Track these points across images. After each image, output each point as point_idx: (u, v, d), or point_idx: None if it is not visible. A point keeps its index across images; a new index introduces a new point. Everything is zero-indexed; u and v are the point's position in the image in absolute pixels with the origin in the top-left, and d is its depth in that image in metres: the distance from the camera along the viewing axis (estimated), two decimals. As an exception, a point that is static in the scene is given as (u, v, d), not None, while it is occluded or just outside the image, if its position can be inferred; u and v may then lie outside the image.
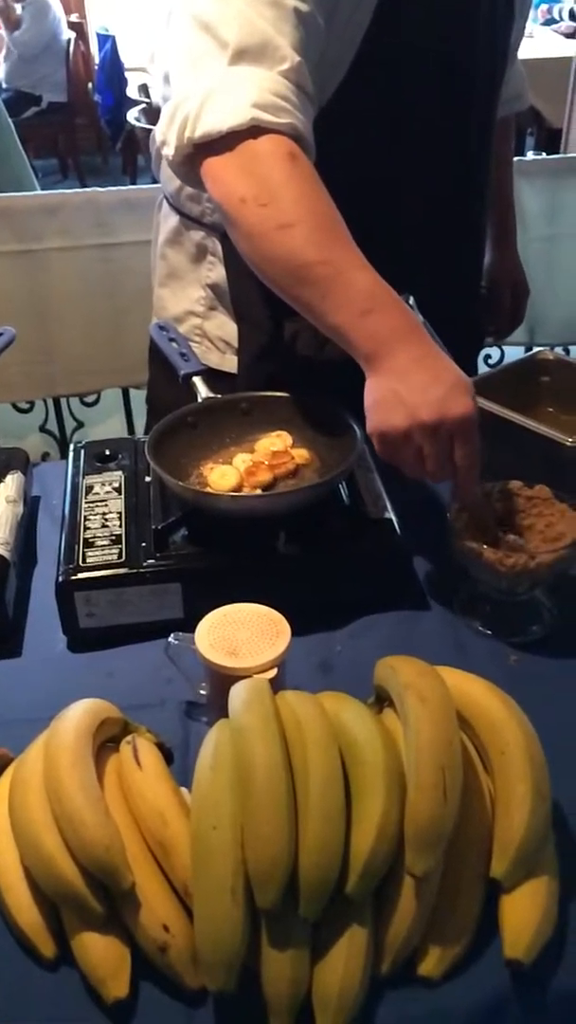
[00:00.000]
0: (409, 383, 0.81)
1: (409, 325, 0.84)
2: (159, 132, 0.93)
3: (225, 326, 1.19)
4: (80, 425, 2.11)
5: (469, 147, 1.14)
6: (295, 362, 1.12)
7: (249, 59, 0.88)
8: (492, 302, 1.43)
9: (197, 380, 1.02)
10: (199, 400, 1.01)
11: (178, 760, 0.76)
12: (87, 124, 5.77)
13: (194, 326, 1.22)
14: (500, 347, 2.13)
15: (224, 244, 1.15)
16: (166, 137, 0.91)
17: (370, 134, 1.06)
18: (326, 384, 0.98)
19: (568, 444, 0.91)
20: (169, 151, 0.91)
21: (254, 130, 0.86)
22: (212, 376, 1.06)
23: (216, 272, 1.18)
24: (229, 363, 1.19)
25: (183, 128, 0.88)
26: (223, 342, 1.20)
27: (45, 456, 2.09)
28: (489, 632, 0.90)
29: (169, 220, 1.23)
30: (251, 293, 1.11)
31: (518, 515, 0.88)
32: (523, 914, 0.62)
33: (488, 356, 2.23)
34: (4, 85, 5.20)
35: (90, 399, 2.05)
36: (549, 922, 0.62)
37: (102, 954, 0.61)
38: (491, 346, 2.02)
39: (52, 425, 2.09)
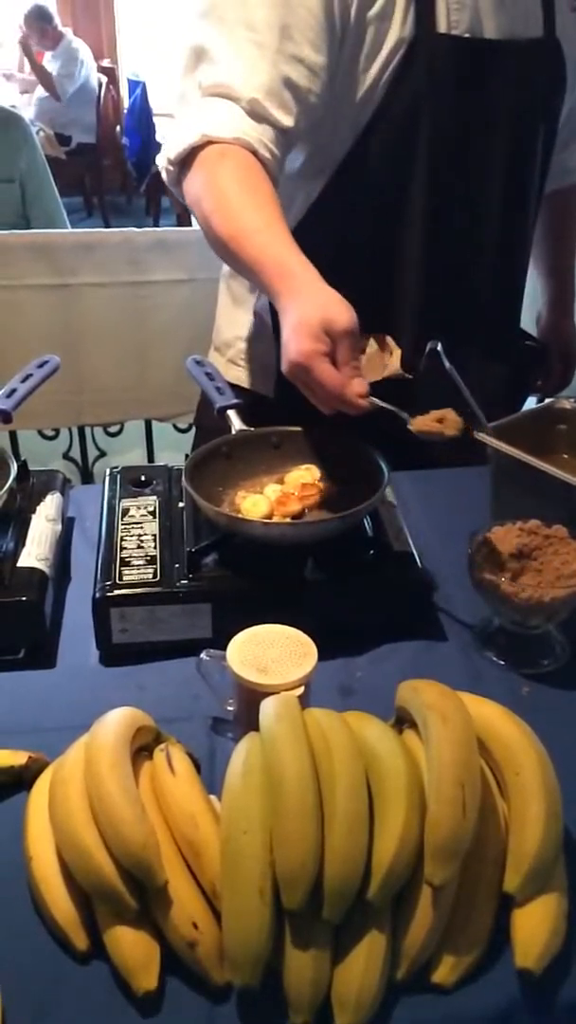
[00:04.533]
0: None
1: (278, 282, 0.93)
2: (159, 159, 1.10)
3: (269, 351, 1.25)
4: (103, 454, 2.16)
5: (487, 210, 1.21)
6: None
7: (216, 94, 1.04)
8: (543, 360, 1.48)
9: (231, 413, 1.07)
10: (233, 432, 1.06)
11: (204, 772, 0.79)
12: (113, 165, 5.93)
13: (240, 350, 1.30)
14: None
15: None
16: (160, 162, 1.09)
17: (381, 187, 1.15)
18: None
19: (583, 488, 0.96)
20: (163, 175, 1.09)
21: (206, 145, 1.02)
22: (252, 400, 1.12)
23: (264, 298, 1.25)
24: (269, 388, 1.26)
25: (166, 152, 1.07)
26: (264, 367, 1.26)
27: (68, 483, 2.13)
28: (503, 663, 0.94)
29: None
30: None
31: (535, 552, 0.92)
32: (534, 927, 0.65)
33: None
34: (36, 124, 5.34)
35: (114, 429, 2.11)
36: (559, 936, 0.66)
37: (133, 947, 0.64)
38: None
39: (75, 453, 2.15)
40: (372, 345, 1.19)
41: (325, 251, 1.21)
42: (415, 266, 1.20)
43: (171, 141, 1.05)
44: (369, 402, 0.89)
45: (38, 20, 5.37)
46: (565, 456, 1.11)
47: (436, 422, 0.92)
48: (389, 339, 1.20)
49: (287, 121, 1.04)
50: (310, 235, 1.21)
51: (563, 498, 0.97)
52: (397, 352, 1.18)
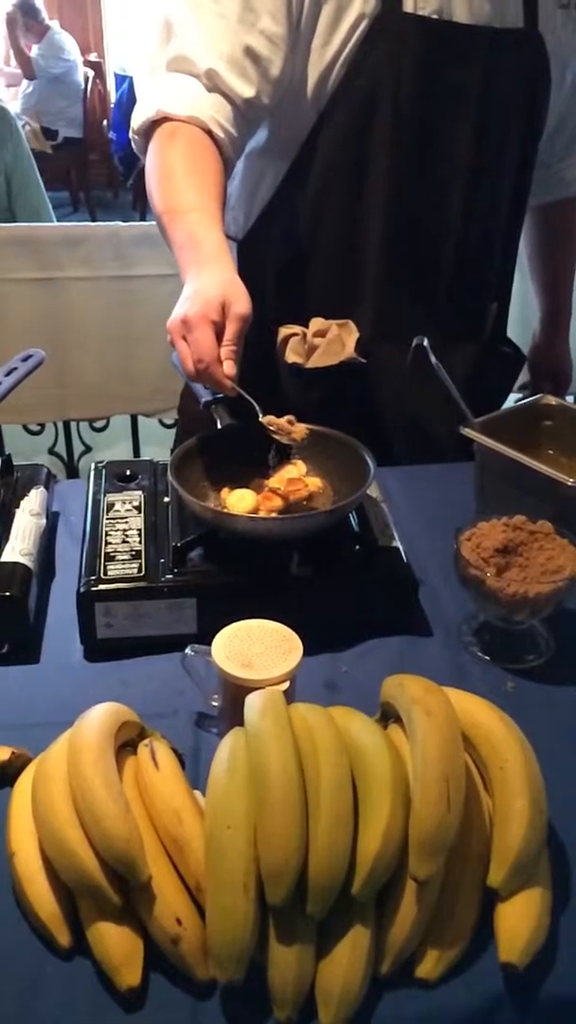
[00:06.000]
0: None
1: (192, 259, 0.96)
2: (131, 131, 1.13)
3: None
4: (88, 449, 2.15)
5: (448, 200, 1.20)
6: (285, 368, 1.20)
7: (177, 68, 1.08)
8: (519, 367, 1.46)
9: (217, 408, 1.07)
10: (219, 426, 1.05)
11: (189, 767, 0.79)
12: (99, 160, 5.90)
13: None
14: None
15: (238, 250, 1.25)
16: (130, 133, 1.12)
17: (343, 167, 1.16)
18: (313, 390, 1.10)
19: (569, 484, 0.96)
20: (133, 144, 1.13)
21: (163, 120, 1.06)
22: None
23: None
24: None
25: (132, 123, 1.10)
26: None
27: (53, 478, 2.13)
28: (488, 658, 0.94)
29: None
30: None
31: (521, 547, 0.92)
32: (518, 921, 0.65)
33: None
34: (22, 118, 5.31)
35: (99, 424, 2.10)
36: (542, 930, 0.66)
37: (117, 943, 0.64)
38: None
39: (61, 448, 2.14)
40: (334, 330, 1.20)
41: (294, 231, 1.22)
42: (376, 249, 1.20)
43: (135, 113, 1.09)
44: (232, 386, 0.92)
45: (24, 14, 5.34)
46: (550, 452, 1.12)
47: (287, 423, 0.98)
48: (351, 324, 1.21)
49: (247, 92, 1.07)
50: (279, 215, 1.22)
51: (548, 493, 0.97)
52: (353, 337, 1.19)
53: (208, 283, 0.92)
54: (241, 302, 0.91)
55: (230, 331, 0.91)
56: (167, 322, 0.93)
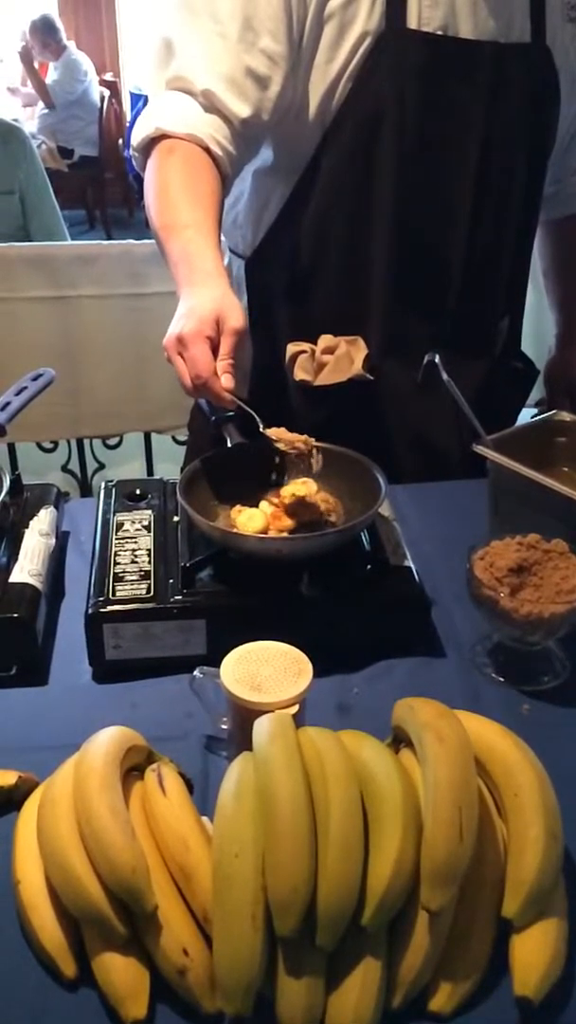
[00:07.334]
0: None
1: (187, 275, 0.97)
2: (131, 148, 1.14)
3: (246, 356, 1.26)
4: (101, 467, 2.15)
5: (456, 215, 1.19)
6: (294, 385, 1.20)
7: (177, 87, 1.09)
8: (531, 381, 1.44)
9: (228, 425, 1.06)
10: (229, 445, 1.04)
11: (198, 791, 0.78)
12: (115, 178, 5.94)
13: None
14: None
15: (245, 268, 1.25)
16: (130, 151, 1.14)
17: (349, 185, 1.16)
18: (321, 407, 1.10)
19: (583, 502, 0.94)
20: (133, 162, 1.13)
21: (161, 137, 1.06)
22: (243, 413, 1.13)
23: (244, 300, 1.25)
24: (243, 391, 1.26)
25: (132, 141, 1.12)
26: (244, 373, 1.27)
27: (66, 495, 2.13)
28: (502, 680, 0.92)
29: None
30: (258, 314, 1.21)
31: (535, 567, 0.91)
32: (533, 953, 0.64)
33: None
34: (39, 138, 5.37)
35: (112, 442, 2.10)
36: (559, 962, 0.64)
37: (122, 975, 0.63)
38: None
39: (74, 465, 2.14)
40: (343, 347, 1.19)
41: (300, 249, 1.22)
42: (383, 266, 1.19)
43: (135, 131, 1.10)
44: (231, 399, 0.92)
45: (43, 32, 5.40)
46: (565, 469, 1.10)
47: (297, 437, 0.98)
48: (360, 341, 1.20)
49: (244, 112, 1.07)
50: (286, 233, 1.22)
51: (563, 512, 0.96)
52: (362, 354, 1.19)
53: (202, 300, 0.93)
54: (235, 317, 0.92)
55: (225, 346, 0.91)
56: (163, 340, 0.93)
